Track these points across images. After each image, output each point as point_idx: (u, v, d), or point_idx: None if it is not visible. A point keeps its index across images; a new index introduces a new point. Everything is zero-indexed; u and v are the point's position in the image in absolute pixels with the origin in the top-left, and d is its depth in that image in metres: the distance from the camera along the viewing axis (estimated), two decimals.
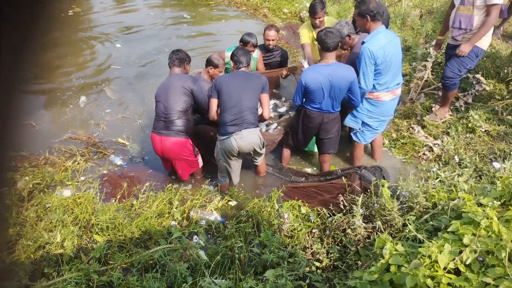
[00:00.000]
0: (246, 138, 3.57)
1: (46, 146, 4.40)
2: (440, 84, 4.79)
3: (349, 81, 3.55)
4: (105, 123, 5.03)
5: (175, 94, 3.69)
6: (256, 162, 3.97)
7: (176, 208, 3.52)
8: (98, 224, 3.24)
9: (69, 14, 8.96)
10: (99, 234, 3.18)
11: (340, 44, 3.97)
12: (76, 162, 4.21)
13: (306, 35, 4.67)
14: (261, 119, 3.87)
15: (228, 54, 4.44)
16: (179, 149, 3.77)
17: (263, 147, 3.77)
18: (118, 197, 3.69)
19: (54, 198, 3.51)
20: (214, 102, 3.65)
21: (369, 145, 4.34)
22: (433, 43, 5.10)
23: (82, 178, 4.00)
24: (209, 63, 4.12)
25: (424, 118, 4.81)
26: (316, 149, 4.26)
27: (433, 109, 4.94)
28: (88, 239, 3.18)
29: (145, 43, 7.56)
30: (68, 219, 3.27)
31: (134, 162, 4.40)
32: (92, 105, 5.47)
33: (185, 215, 3.54)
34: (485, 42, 4.23)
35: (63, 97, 5.62)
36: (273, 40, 4.78)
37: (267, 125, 4.35)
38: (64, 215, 3.30)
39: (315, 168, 4.34)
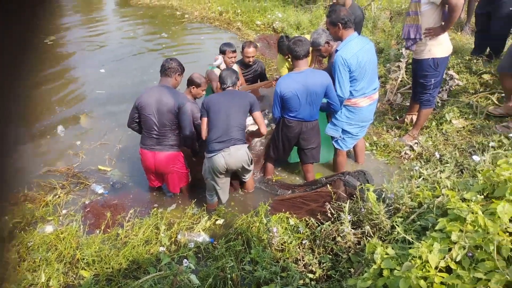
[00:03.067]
0: (234, 155, 3.55)
1: (24, 182, 4.28)
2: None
3: (324, 85, 3.58)
4: (84, 152, 4.93)
5: (166, 112, 3.62)
6: (244, 178, 3.94)
7: (163, 233, 3.45)
8: (83, 259, 3.15)
9: (48, 43, 8.93)
10: (85, 269, 3.08)
11: (319, 51, 4.02)
12: (57, 196, 4.10)
13: (282, 66, 4.93)
14: (258, 135, 4.00)
15: (209, 71, 4.53)
16: (173, 162, 3.81)
17: (251, 164, 3.76)
18: (102, 227, 3.59)
19: (36, 235, 3.40)
20: (204, 121, 3.66)
21: (352, 150, 4.36)
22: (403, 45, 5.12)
23: (64, 212, 3.89)
24: (191, 82, 4.11)
25: (395, 138, 4.73)
26: (297, 159, 4.25)
27: (405, 119, 4.91)
28: (74, 276, 3.08)
29: (127, 66, 7.64)
30: (52, 257, 3.16)
31: (116, 189, 4.32)
32: (70, 134, 5.38)
33: (172, 239, 3.47)
34: (441, 51, 4.12)
35: (41, 128, 5.52)
36: (252, 56, 4.92)
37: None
38: (48, 252, 3.20)
39: (296, 179, 4.33)
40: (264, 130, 3.77)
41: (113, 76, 7.16)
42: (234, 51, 4.59)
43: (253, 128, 4.29)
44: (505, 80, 4.49)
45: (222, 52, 4.56)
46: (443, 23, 4.02)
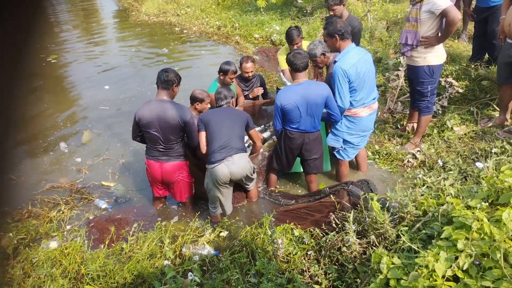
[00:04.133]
0: (238, 163, 3.58)
1: (28, 199, 4.29)
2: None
3: (324, 96, 3.61)
4: (87, 167, 4.95)
5: (171, 127, 3.62)
6: (248, 187, 3.96)
7: (167, 246, 3.44)
8: (88, 274, 3.13)
9: (52, 61, 9.04)
10: (90, 284, 3.07)
11: (315, 62, 4.06)
12: (61, 212, 4.10)
13: (284, 61, 4.80)
14: (254, 151, 4.13)
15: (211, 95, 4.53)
16: (179, 171, 3.85)
17: (253, 172, 3.79)
18: (106, 242, 3.59)
19: (40, 251, 3.40)
20: (203, 135, 3.71)
21: (354, 159, 4.37)
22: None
23: (68, 227, 3.89)
24: (195, 99, 4.14)
25: (397, 146, 4.74)
26: (301, 170, 4.25)
27: (407, 128, 4.94)
28: None
29: (131, 82, 7.73)
30: (56, 272, 3.15)
31: (119, 203, 4.32)
32: (73, 150, 5.40)
33: (177, 252, 3.46)
34: (436, 58, 4.16)
35: (44, 144, 5.56)
36: (251, 71, 4.94)
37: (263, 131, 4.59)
38: (52, 268, 3.19)
39: (301, 190, 4.33)
40: (259, 145, 4.00)
41: (117, 92, 7.22)
42: (235, 72, 4.58)
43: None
44: (503, 92, 4.52)
45: (224, 71, 4.50)
46: (439, 34, 4.06)
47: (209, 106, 4.23)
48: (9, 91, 0.50)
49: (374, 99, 3.90)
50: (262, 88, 5.19)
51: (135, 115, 3.68)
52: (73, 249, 3.41)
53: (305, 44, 4.71)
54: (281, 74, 4.96)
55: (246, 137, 4.12)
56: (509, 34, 4.06)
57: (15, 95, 0.50)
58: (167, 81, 3.65)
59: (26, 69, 0.51)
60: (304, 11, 10.29)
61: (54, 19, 13.98)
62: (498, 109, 4.81)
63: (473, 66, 5.67)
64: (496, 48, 5.45)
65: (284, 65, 4.82)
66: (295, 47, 4.55)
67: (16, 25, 0.48)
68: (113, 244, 3.57)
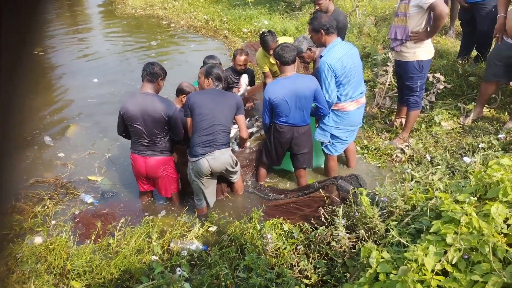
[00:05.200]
0: (219, 159, 3.57)
1: (11, 194, 4.18)
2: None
3: (313, 89, 3.60)
4: (72, 162, 4.86)
5: (155, 121, 3.58)
6: (232, 179, 3.94)
7: (155, 241, 3.40)
8: (74, 270, 3.08)
9: (39, 54, 8.90)
10: (76, 280, 3.01)
11: (302, 58, 4.05)
12: (46, 206, 4.02)
13: (264, 63, 4.90)
14: (240, 141, 4.05)
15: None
16: (164, 166, 3.81)
17: (235, 165, 3.77)
18: (93, 237, 3.52)
19: (24, 247, 3.33)
20: (189, 121, 3.65)
21: (343, 154, 4.37)
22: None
23: (53, 222, 3.81)
24: (182, 91, 4.09)
25: (386, 141, 4.75)
26: (291, 167, 4.24)
27: (395, 123, 4.95)
28: (65, 287, 3.01)
29: (120, 75, 7.63)
30: (41, 268, 3.09)
31: (106, 198, 4.26)
32: (58, 144, 5.30)
33: (165, 247, 3.42)
34: (425, 54, 4.17)
35: (28, 138, 5.44)
36: (244, 64, 4.93)
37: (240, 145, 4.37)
38: (37, 264, 3.13)
39: (289, 184, 4.32)
40: (244, 134, 3.83)
41: (106, 86, 7.11)
42: (220, 64, 4.55)
43: (234, 133, 4.34)
44: (486, 88, 4.56)
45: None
46: (428, 29, 4.07)
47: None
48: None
49: (361, 93, 3.89)
50: (240, 87, 5.12)
51: (120, 109, 3.63)
52: (58, 244, 3.34)
53: (289, 41, 4.70)
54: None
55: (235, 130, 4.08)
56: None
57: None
58: (153, 73, 3.61)
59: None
60: (293, 6, 10.25)
61: None
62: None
63: (460, 62, 5.71)
64: (488, 46, 5.51)
65: (265, 68, 4.88)
66: (271, 52, 4.54)
67: (14, 26, 0.46)
68: (99, 240, 3.51)
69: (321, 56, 3.71)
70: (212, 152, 3.54)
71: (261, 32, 4.94)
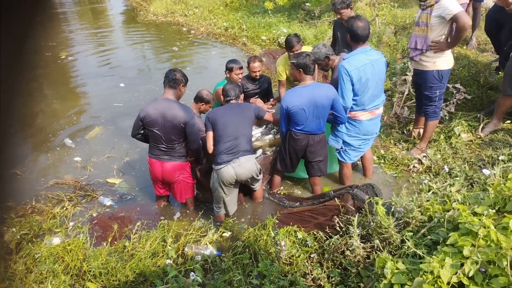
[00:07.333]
0: (244, 165, 3.60)
1: (32, 194, 4.29)
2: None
3: (331, 98, 3.60)
4: (91, 164, 4.96)
5: (173, 127, 3.63)
6: (254, 187, 3.97)
7: (170, 245, 3.43)
8: (90, 271, 3.13)
9: (64, 58, 9.19)
10: (92, 281, 3.06)
11: (320, 65, 4.05)
12: (64, 208, 4.11)
13: (284, 69, 4.81)
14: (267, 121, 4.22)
15: (218, 88, 4.51)
16: (180, 171, 3.86)
17: (260, 173, 3.80)
18: (109, 239, 3.58)
19: (43, 247, 3.40)
20: (210, 135, 3.72)
21: (360, 163, 4.34)
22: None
23: (71, 224, 3.89)
24: (201, 99, 4.12)
25: (403, 151, 4.71)
26: (304, 175, 4.23)
27: (413, 133, 4.91)
28: None
29: (145, 80, 7.84)
30: (58, 268, 3.15)
31: (124, 201, 4.32)
32: (79, 147, 5.42)
33: (179, 252, 3.45)
34: (445, 63, 4.14)
35: (52, 139, 5.61)
36: (258, 71, 4.89)
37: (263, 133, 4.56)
38: (55, 264, 3.19)
39: (304, 192, 4.31)
40: (269, 116, 3.99)
41: (132, 91, 7.28)
42: (241, 68, 4.60)
43: (259, 143, 4.35)
44: (506, 101, 4.49)
45: (229, 69, 4.53)
46: (448, 39, 4.04)
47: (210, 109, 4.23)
48: (11, 88, 0.49)
49: (377, 105, 3.86)
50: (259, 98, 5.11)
51: (140, 112, 3.69)
52: (75, 245, 3.40)
53: (307, 50, 4.69)
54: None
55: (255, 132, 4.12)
56: None
57: (18, 92, 0.49)
58: (175, 79, 3.68)
59: (27, 65, 0.50)
60: (312, 14, 10.27)
61: (63, 17, 14.08)
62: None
63: (481, 74, 5.60)
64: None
65: (282, 76, 4.83)
66: (294, 52, 4.52)
67: (18, 21, 0.47)
68: (115, 242, 3.56)
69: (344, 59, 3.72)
70: (237, 159, 3.58)
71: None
